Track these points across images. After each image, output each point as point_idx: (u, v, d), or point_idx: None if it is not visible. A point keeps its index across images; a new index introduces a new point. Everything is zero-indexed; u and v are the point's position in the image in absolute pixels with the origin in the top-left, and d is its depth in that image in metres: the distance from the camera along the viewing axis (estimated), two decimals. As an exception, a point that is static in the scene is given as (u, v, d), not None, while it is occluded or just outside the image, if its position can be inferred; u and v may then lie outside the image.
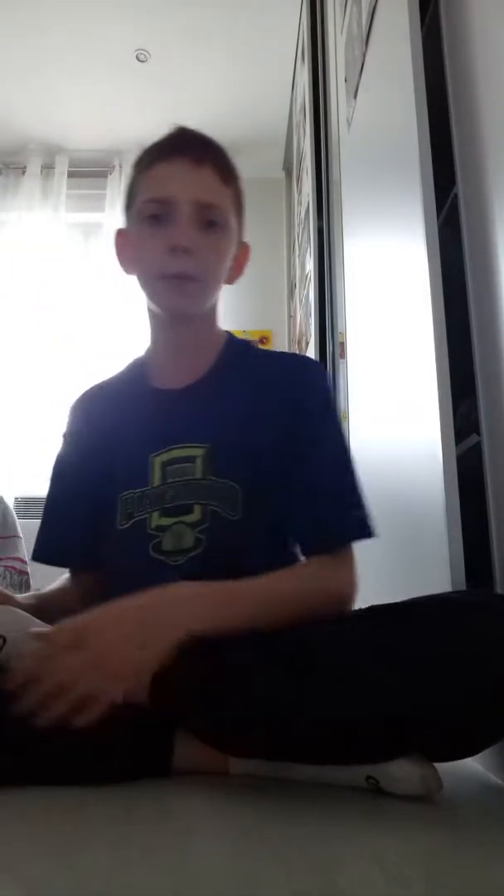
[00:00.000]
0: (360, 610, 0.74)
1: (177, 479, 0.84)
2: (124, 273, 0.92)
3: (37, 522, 0.96)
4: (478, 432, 0.86)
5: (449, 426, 0.89)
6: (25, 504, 2.77)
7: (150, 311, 0.91)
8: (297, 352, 2.58)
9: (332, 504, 0.82)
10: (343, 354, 1.86)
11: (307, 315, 2.30)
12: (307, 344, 2.30)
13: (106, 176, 3.28)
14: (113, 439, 0.91)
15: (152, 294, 0.87)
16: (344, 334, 1.83)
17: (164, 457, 0.85)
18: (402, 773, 0.63)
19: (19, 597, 0.85)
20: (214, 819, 0.58)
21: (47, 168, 3.26)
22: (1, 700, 0.65)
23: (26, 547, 1.84)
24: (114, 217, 3.21)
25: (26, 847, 0.51)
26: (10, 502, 1.97)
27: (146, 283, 0.87)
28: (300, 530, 0.83)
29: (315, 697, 0.62)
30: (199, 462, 0.84)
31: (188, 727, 0.67)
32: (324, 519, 0.81)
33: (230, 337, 0.96)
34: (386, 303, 1.28)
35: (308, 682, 0.63)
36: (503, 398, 0.81)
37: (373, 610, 0.70)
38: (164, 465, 0.85)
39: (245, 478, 0.83)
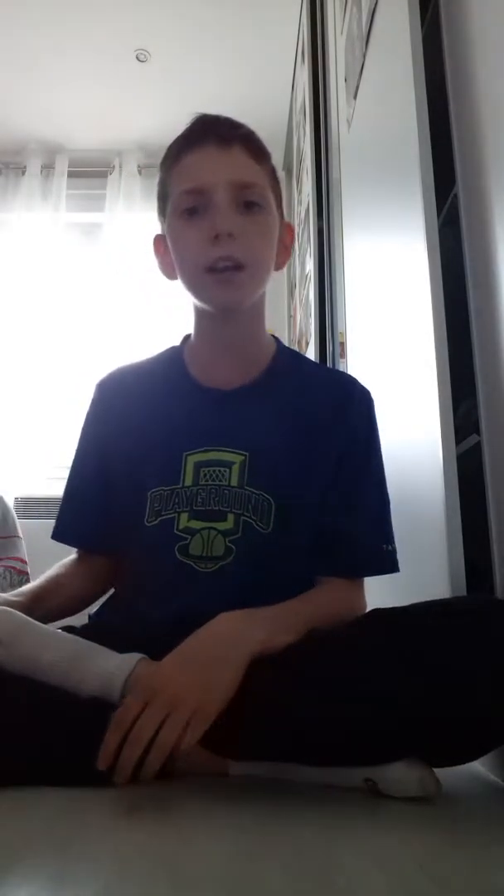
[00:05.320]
0: (361, 615, 0.74)
1: (209, 483, 0.81)
2: (167, 279, 0.88)
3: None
4: (478, 432, 0.86)
5: (449, 426, 0.89)
6: (25, 504, 2.76)
7: (196, 308, 0.87)
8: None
9: (370, 536, 0.84)
10: (343, 354, 1.85)
11: (307, 315, 2.29)
12: (307, 344, 2.30)
13: (106, 176, 3.27)
14: (144, 429, 0.87)
15: (199, 291, 0.83)
16: (344, 334, 1.83)
17: (199, 457, 0.83)
18: (399, 775, 0.63)
19: (6, 596, 0.81)
20: (214, 819, 0.58)
21: (47, 168, 3.25)
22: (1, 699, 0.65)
23: (26, 545, 1.84)
24: (114, 217, 3.20)
25: (26, 847, 0.51)
26: (10, 502, 1.97)
27: (191, 281, 0.83)
28: (334, 552, 0.83)
29: (315, 702, 0.62)
30: (235, 469, 0.82)
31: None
32: (360, 550, 0.83)
33: (280, 344, 0.93)
34: (386, 303, 1.28)
35: (308, 688, 0.63)
36: (503, 398, 0.81)
37: (374, 615, 0.71)
38: (198, 465, 0.82)
39: (280, 492, 0.81)
